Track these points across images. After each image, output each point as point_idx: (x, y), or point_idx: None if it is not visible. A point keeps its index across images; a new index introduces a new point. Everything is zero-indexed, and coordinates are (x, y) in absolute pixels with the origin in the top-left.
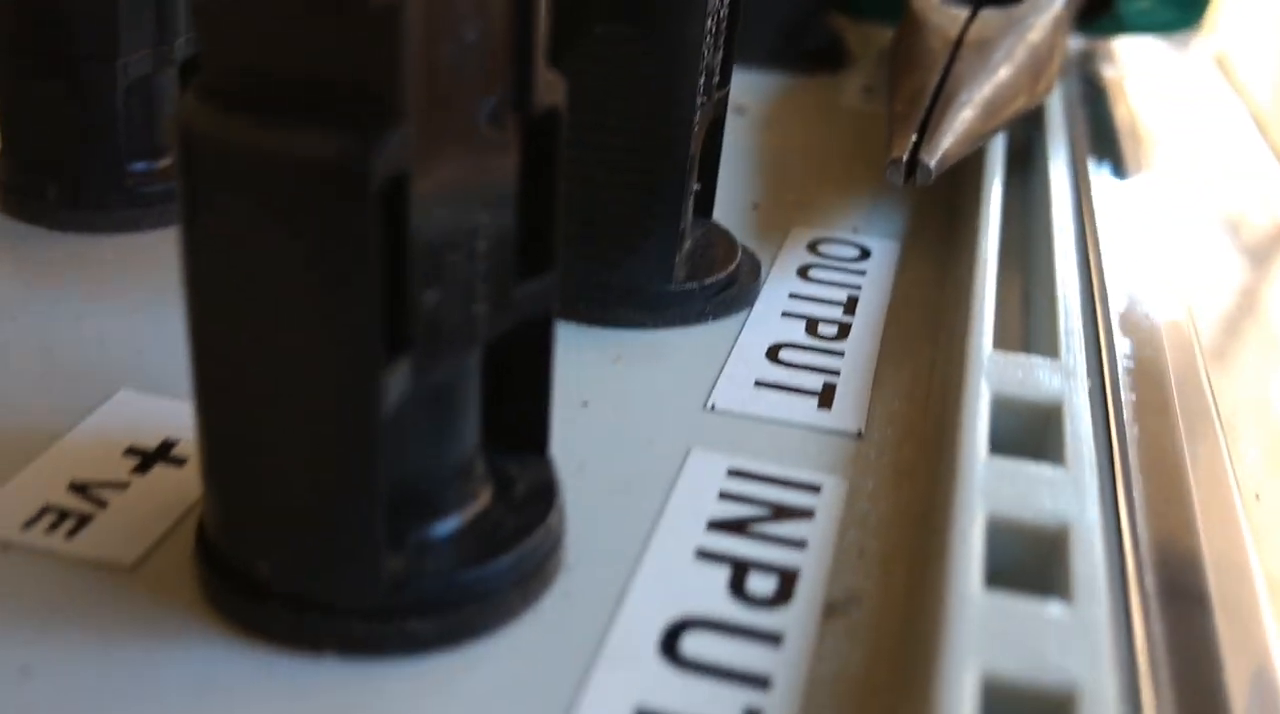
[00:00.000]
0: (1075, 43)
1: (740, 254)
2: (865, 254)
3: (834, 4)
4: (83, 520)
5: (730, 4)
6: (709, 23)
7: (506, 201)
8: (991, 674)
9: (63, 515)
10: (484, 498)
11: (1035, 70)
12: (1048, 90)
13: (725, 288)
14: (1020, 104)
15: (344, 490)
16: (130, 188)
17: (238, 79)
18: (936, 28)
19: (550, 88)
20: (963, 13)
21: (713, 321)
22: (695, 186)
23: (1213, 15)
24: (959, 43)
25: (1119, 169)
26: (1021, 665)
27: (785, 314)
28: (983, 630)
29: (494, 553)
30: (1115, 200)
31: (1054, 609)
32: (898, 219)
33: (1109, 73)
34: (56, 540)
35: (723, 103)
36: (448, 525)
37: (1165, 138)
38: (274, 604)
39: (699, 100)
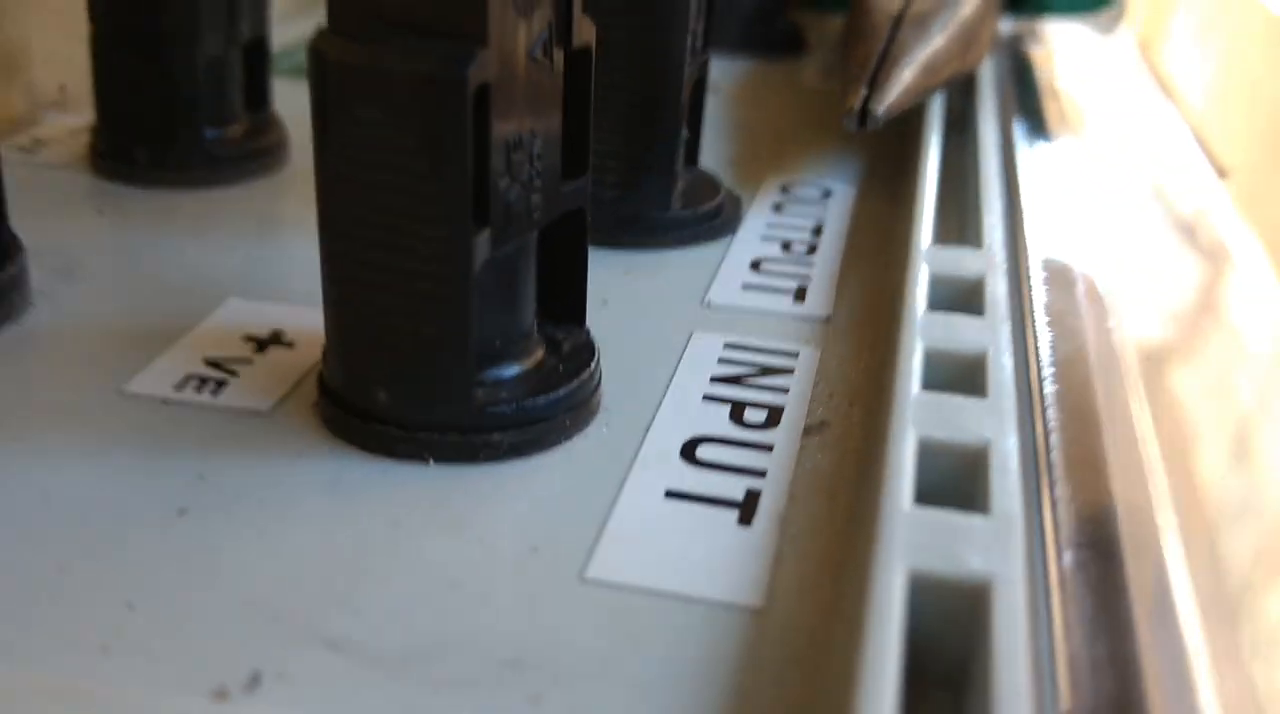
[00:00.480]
0: (1006, 24)
1: (723, 192)
2: (828, 194)
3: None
4: (220, 384)
5: None
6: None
7: (555, 117)
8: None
9: (203, 381)
10: (539, 353)
11: (966, 40)
12: (978, 60)
13: (713, 217)
14: (954, 68)
15: (445, 330)
16: (207, 151)
17: (357, 19)
18: (881, 6)
19: (584, 30)
20: None
21: (705, 243)
22: (685, 134)
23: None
24: (899, 18)
25: (1039, 129)
26: (945, 565)
27: (764, 238)
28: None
29: (551, 388)
30: (1035, 157)
31: (975, 519)
32: (854, 168)
33: (1036, 50)
34: (205, 397)
35: (705, 65)
36: (515, 369)
37: (1083, 106)
38: (389, 425)
39: (687, 59)
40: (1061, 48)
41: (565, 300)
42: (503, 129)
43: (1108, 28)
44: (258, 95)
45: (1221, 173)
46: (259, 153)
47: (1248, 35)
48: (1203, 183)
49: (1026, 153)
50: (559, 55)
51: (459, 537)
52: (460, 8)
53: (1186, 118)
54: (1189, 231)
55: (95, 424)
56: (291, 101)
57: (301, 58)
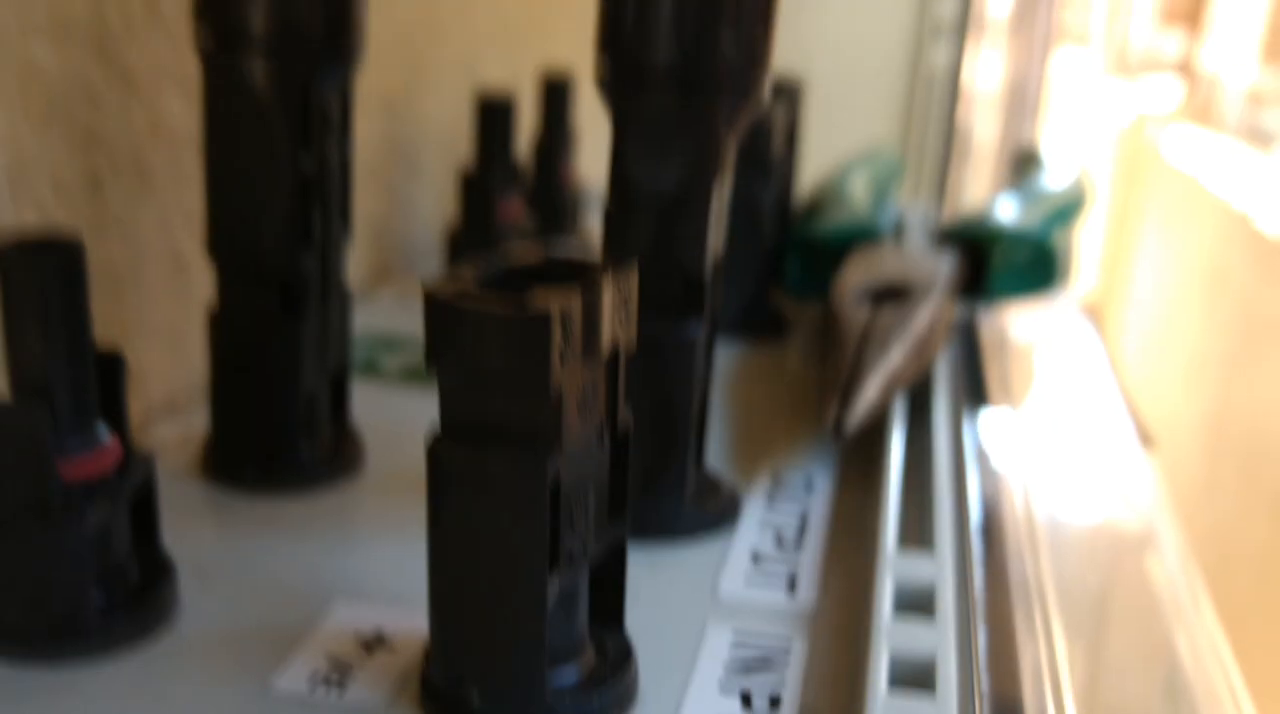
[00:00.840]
0: (960, 309)
1: (725, 492)
2: (810, 486)
3: (774, 285)
4: (342, 684)
5: (711, 327)
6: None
7: (604, 482)
8: None
9: (328, 681)
10: (590, 655)
11: (920, 349)
12: (932, 360)
13: (719, 516)
14: (910, 374)
15: (525, 649)
16: (302, 464)
17: (464, 425)
18: (849, 322)
19: (625, 423)
20: (866, 311)
21: (712, 538)
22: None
23: (1075, 272)
24: (864, 335)
25: (984, 403)
26: None
27: (761, 528)
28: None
29: (601, 685)
30: (984, 430)
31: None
32: (831, 458)
33: (985, 333)
34: (333, 698)
35: (706, 390)
36: (574, 673)
37: (1028, 379)
38: None
39: (693, 409)
40: (1009, 323)
41: (608, 608)
42: (569, 502)
43: (1055, 297)
44: (340, 412)
45: (1146, 441)
46: (344, 461)
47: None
48: (1128, 451)
49: (973, 432)
50: (608, 439)
51: None
52: (542, 424)
53: (1121, 384)
54: (1113, 501)
55: None
56: (364, 399)
57: (368, 352)
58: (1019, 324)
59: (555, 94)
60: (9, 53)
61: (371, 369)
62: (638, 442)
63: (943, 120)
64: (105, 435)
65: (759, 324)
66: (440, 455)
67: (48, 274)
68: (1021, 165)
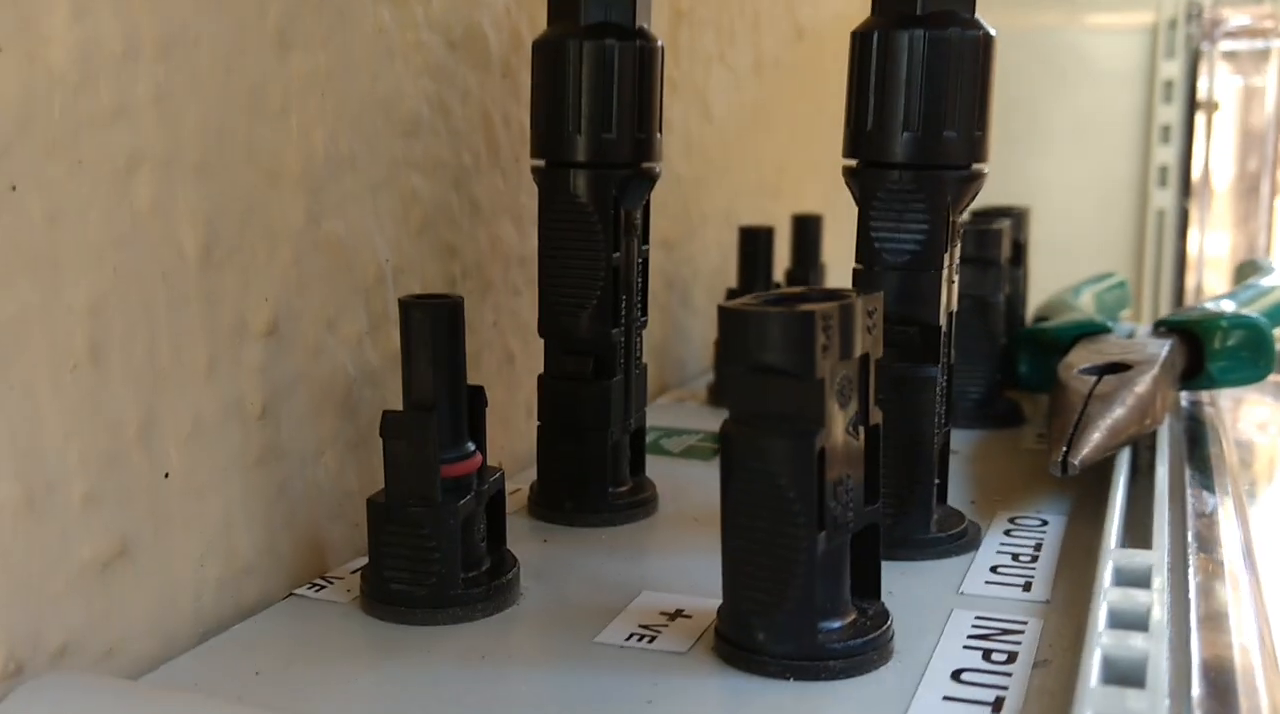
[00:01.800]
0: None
1: (967, 521)
2: (1045, 523)
3: (1009, 384)
4: (653, 638)
5: (948, 375)
6: (938, 399)
7: (860, 466)
8: None
9: (641, 636)
10: (853, 615)
11: (1142, 410)
12: (1156, 423)
13: (960, 537)
14: (1134, 430)
15: (802, 593)
16: (609, 502)
17: (747, 412)
18: (1075, 389)
19: (875, 415)
20: (1091, 379)
21: (955, 557)
22: (936, 480)
23: None
24: (1089, 396)
25: (1208, 474)
26: None
27: (999, 551)
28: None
29: (864, 635)
30: (1202, 498)
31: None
32: (1065, 504)
33: (1208, 411)
34: (645, 645)
35: (947, 435)
36: (838, 623)
37: (1251, 455)
38: (764, 656)
39: (935, 434)
40: (1229, 406)
41: (867, 582)
42: (832, 474)
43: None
44: (638, 463)
45: None
46: (641, 502)
47: None
48: None
49: (1197, 493)
50: (861, 431)
51: None
52: (809, 410)
53: None
54: None
55: (579, 660)
56: (654, 467)
57: (655, 438)
58: (1250, 415)
59: (805, 229)
60: (398, 182)
61: (658, 449)
62: (888, 468)
63: (1173, 255)
64: (470, 448)
65: (995, 415)
66: (730, 435)
67: (439, 319)
68: (1243, 271)
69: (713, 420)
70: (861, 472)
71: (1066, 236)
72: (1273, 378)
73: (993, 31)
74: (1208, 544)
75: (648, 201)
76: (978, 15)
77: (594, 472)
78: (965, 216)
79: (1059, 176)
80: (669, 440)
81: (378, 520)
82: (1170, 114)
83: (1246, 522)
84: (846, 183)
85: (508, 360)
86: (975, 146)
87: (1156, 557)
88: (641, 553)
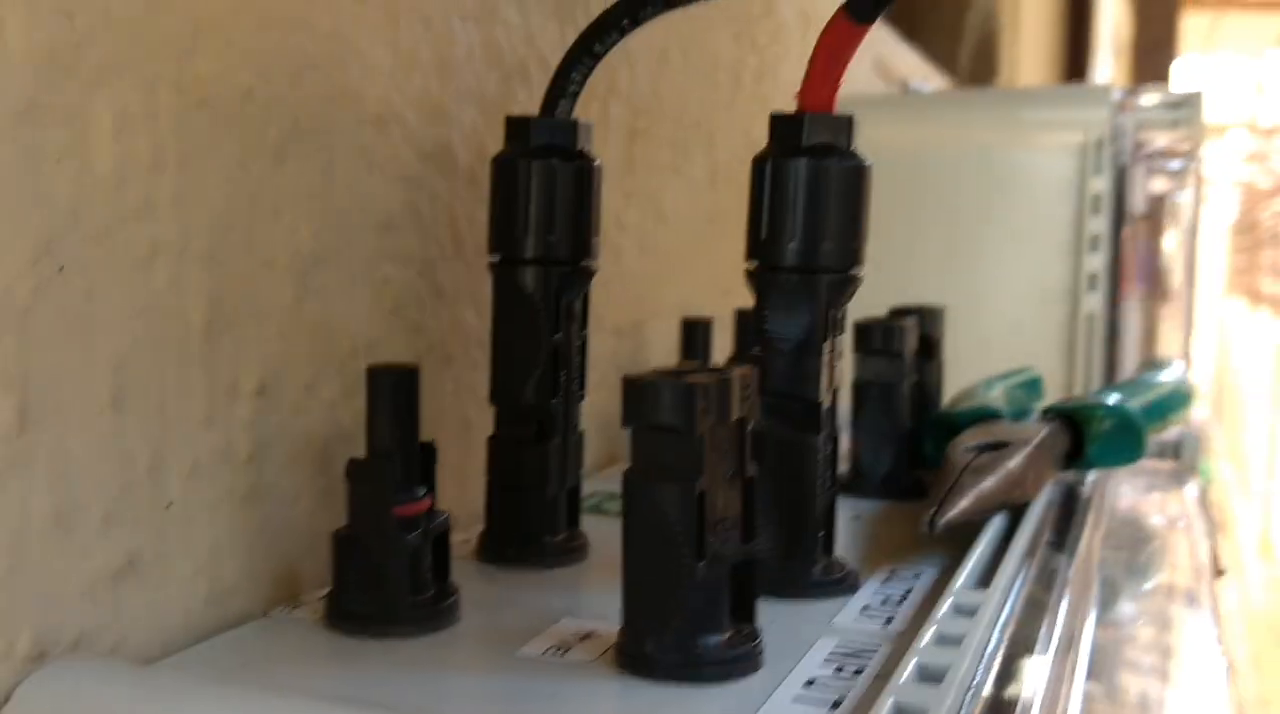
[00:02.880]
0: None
1: (848, 569)
2: (918, 575)
3: (916, 463)
4: (565, 652)
5: (833, 445)
6: (820, 463)
7: (737, 513)
8: None
9: (556, 650)
10: (731, 632)
11: (1011, 483)
12: (1024, 496)
13: (840, 582)
14: (1002, 499)
15: (683, 613)
16: (546, 549)
17: (643, 465)
18: (955, 462)
19: (749, 469)
20: (971, 454)
21: (834, 599)
22: (822, 534)
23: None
24: (965, 467)
25: (1060, 541)
26: None
27: (874, 594)
28: None
29: (735, 649)
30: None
31: None
32: (939, 562)
33: (1085, 491)
34: (557, 657)
35: (834, 491)
36: (718, 638)
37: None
38: (651, 663)
39: (819, 494)
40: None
41: (743, 608)
42: (712, 515)
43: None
44: (573, 517)
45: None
46: (572, 550)
47: None
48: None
49: (1048, 552)
50: (739, 481)
51: None
52: (691, 462)
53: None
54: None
55: (502, 667)
56: (596, 525)
57: (598, 501)
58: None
59: (745, 321)
60: (372, 271)
61: (599, 510)
62: (778, 520)
63: (1101, 355)
64: (421, 492)
65: (900, 489)
66: (630, 481)
67: (398, 383)
68: (1143, 368)
69: None
70: (739, 515)
71: (1003, 336)
72: (1144, 463)
73: (867, 162)
74: (1039, 588)
75: (586, 293)
76: (854, 147)
77: (533, 522)
78: (844, 313)
79: (998, 282)
80: (610, 504)
81: (340, 549)
82: (1099, 225)
83: (1085, 572)
84: (746, 282)
85: (465, 427)
86: (850, 254)
87: (991, 594)
88: (568, 590)
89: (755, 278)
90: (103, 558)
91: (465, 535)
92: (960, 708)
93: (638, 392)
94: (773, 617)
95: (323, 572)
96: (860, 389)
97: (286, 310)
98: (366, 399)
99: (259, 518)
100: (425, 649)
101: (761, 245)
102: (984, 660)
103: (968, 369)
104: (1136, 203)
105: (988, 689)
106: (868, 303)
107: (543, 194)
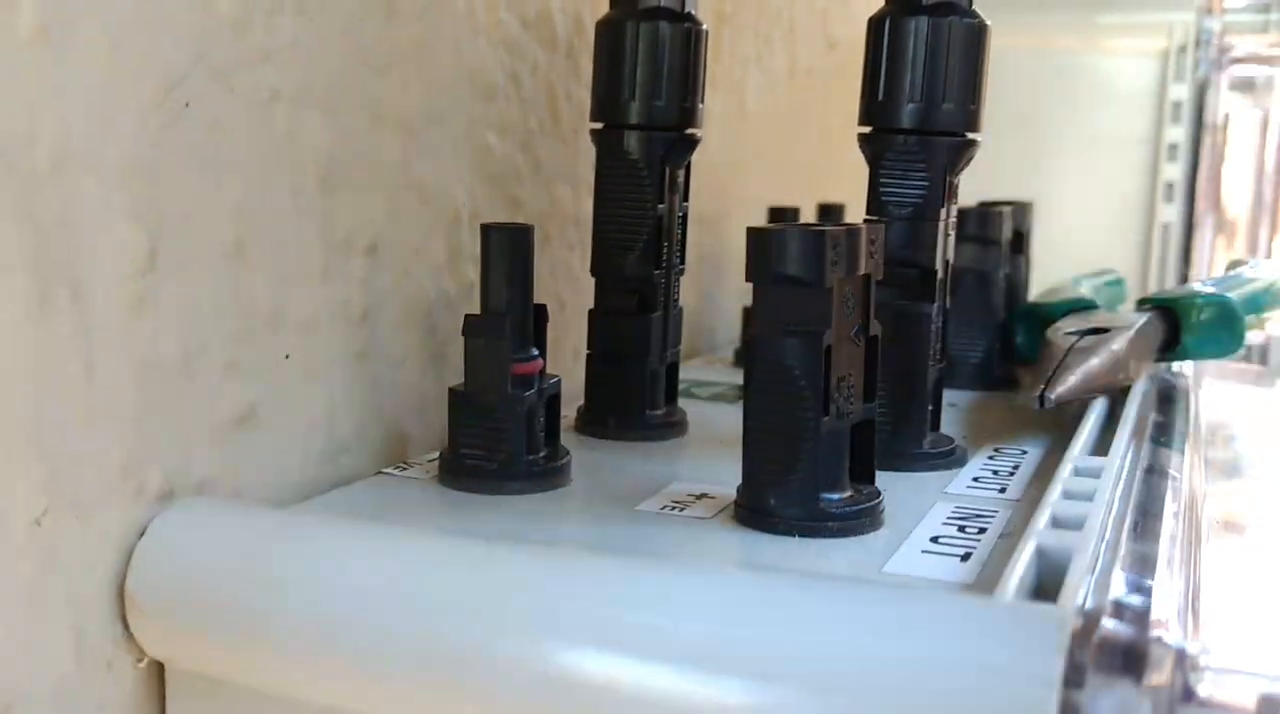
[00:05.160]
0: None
1: (956, 443)
2: (1024, 452)
3: (1007, 354)
4: (683, 509)
5: (944, 318)
6: (933, 335)
7: (860, 371)
8: None
9: (674, 507)
10: (850, 492)
11: (1115, 366)
12: (1128, 379)
13: (949, 455)
14: (1107, 381)
15: (806, 467)
16: (647, 422)
17: (769, 318)
18: (1058, 344)
19: (874, 327)
20: (1074, 337)
21: (943, 471)
22: (930, 407)
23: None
24: (1070, 348)
25: (1167, 422)
26: None
27: (981, 467)
28: None
29: (858, 505)
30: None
31: None
32: (1044, 439)
33: (1180, 380)
34: (677, 513)
35: (941, 371)
36: (838, 495)
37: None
38: (773, 517)
39: (930, 365)
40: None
41: (863, 468)
42: (836, 371)
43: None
44: (672, 394)
45: None
46: (674, 424)
47: None
48: None
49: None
50: (862, 340)
51: (824, 566)
52: (819, 314)
53: None
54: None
55: (621, 520)
56: (685, 406)
57: (687, 386)
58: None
59: (829, 214)
60: (475, 139)
61: (689, 395)
62: (887, 390)
63: (1176, 266)
64: (534, 353)
65: (992, 380)
66: (755, 337)
67: (514, 240)
68: (1231, 267)
69: (737, 377)
70: (861, 374)
71: (1078, 244)
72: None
73: (988, 21)
74: (1159, 462)
75: (689, 163)
76: (975, 7)
77: (634, 394)
78: (961, 182)
79: (1074, 188)
80: (699, 389)
81: (458, 406)
82: (1177, 134)
83: (1199, 455)
84: (860, 147)
85: (559, 307)
86: (969, 118)
87: (1110, 460)
88: (674, 460)
89: (870, 142)
90: (226, 404)
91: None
92: (1099, 555)
93: (765, 242)
94: (885, 484)
95: (429, 436)
96: (955, 276)
97: (395, 169)
98: (481, 257)
99: (371, 377)
100: (541, 504)
101: (877, 107)
102: (1114, 514)
103: (1045, 273)
104: (1218, 111)
105: (1123, 540)
106: None
107: (649, 57)
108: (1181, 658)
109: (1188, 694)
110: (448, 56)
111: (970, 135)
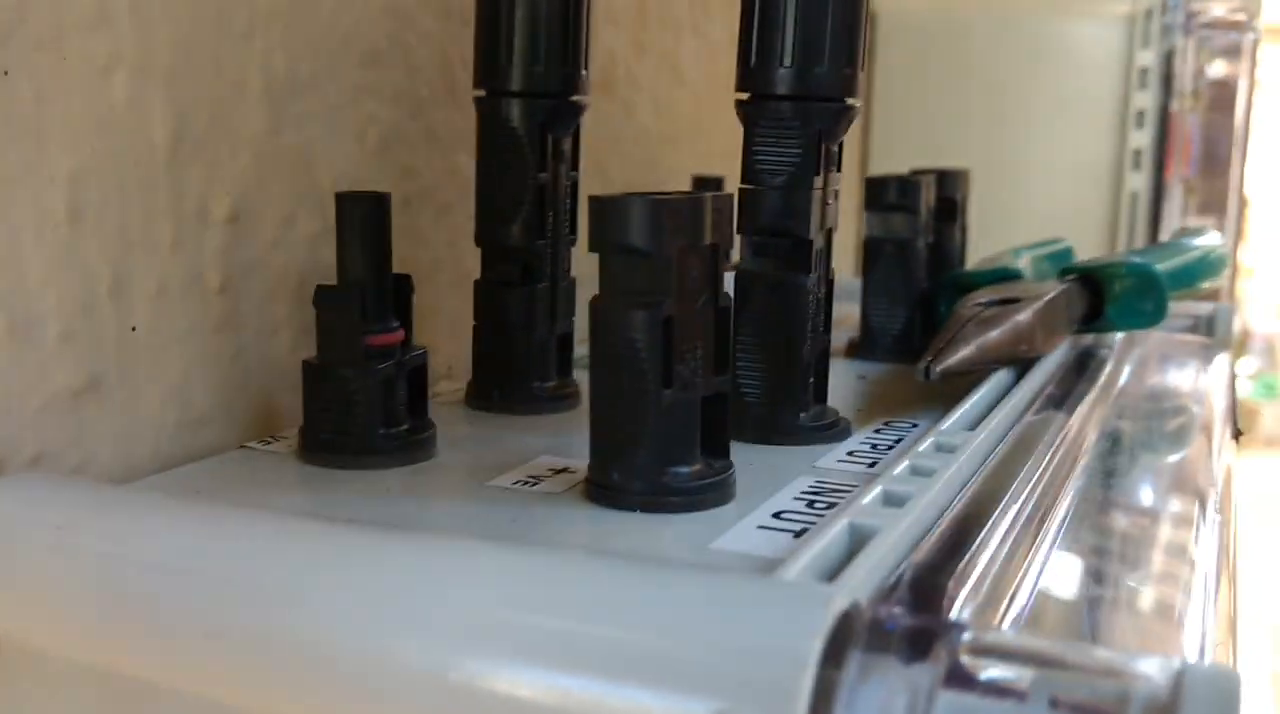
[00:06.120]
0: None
1: (840, 417)
2: (915, 425)
3: (931, 324)
4: (535, 483)
5: (827, 288)
6: (811, 306)
7: (710, 342)
8: None
9: (526, 482)
10: (700, 466)
11: (1018, 337)
12: (1032, 351)
13: (829, 429)
14: (1006, 353)
15: (649, 441)
16: (534, 395)
17: (612, 288)
18: (960, 314)
19: (724, 300)
20: (979, 308)
21: (822, 445)
22: (813, 380)
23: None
24: (970, 319)
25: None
26: None
27: (862, 442)
28: None
29: (703, 480)
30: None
31: None
32: (939, 413)
33: (1102, 352)
34: (527, 489)
35: (827, 342)
36: (686, 470)
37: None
38: (616, 492)
39: (808, 338)
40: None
41: (715, 442)
42: (680, 343)
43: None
44: (565, 366)
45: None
46: (563, 397)
47: None
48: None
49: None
50: (709, 312)
51: (653, 541)
52: (658, 285)
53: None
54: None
55: (467, 495)
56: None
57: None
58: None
59: (703, 185)
60: (356, 107)
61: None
62: (765, 364)
63: (1145, 234)
64: (394, 324)
65: (911, 351)
66: (597, 308)
67: (368, 208)
68: (1176, 235)
69: None
70: (712, 346)
71: (1044, 212)
72: (1174, 337)
73: None
74: (1030, 436)
75: (577, 130)
76: None
77: (520, 366)
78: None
79: (1040, 155)
80: None
81: (310, 378)
82: (1145, 100)
83: (1082, 430)
84: (738, 114)
85: (460, 276)
86: (846, 83)
87: (975, 435)
88: (553, 433)
89: (745, 108)
90: (62, 375)
91: (457, 386)
92: (923, 533)
93: (604, 211)
94: (755, 458)
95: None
96: (872, 247)
97: (261, 138)
98: (336, 226)
99: (233, 349)
100: (394, 478)
101: (751, 73)
102: (959, 494)
103: (1003, 243)
104: (1186, 78)
105: (949, 517)
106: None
107: (527, 21)
108: (956, 641)
109: (961, 678)
110: (320, 22)
111: (849, 101)
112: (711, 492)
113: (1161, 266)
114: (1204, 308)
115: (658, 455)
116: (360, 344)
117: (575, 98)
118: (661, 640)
